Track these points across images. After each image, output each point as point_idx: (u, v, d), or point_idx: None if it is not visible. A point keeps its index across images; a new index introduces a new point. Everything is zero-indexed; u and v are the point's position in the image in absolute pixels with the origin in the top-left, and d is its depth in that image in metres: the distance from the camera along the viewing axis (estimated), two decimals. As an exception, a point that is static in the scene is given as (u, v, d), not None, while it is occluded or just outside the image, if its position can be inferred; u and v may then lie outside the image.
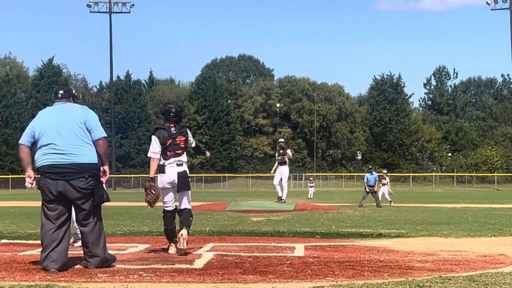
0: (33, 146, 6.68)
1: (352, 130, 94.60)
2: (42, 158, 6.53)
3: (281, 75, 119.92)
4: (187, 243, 7.67)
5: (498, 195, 50.97)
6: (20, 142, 6.68)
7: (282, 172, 21.34)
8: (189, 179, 8.00)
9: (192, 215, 8.10)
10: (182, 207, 8.01)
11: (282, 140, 23.27)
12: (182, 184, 7.82)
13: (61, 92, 6.94)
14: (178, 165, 7.82)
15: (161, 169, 7.80)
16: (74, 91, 7.10)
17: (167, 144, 7.81)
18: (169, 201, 8.04)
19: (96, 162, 6.62)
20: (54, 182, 6.48)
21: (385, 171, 31.96)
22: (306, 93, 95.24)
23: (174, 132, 7.90)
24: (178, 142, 7.89)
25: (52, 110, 6.83)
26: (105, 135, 6.75)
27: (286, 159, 21.31)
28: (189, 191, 7.99)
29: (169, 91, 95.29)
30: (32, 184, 6.68)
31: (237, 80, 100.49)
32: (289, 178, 22.28)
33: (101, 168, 6.72)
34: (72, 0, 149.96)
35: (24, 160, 6.70)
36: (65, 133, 6.52)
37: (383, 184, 28.96)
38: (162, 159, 7.80)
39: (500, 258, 7.70)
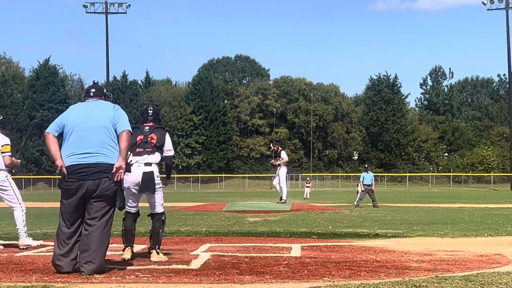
0: (60, 137, 6.49)
1: (348, 130, 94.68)
2: (67, 155, 6.34)
3: (277, 75, 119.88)
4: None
5: (494, 195, 51.05)
6: (47, 130, 6.46)
7: (279, 173, 21.33)
8: (158, 181, 7.36)
9: (163, 220, 7.55)
10: (152, 211, 7.56)
11: (275, 141, 23.11)
12: (144, 186, 7.24)
13: (93, 90, 6.78)
14: (146, 164, 7.27)
15: (127, 168, 7.15)
16: (105, 90, 7.00)
17: (137, 141, 7.35)
18: (133, 204, 7.51)
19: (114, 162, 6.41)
20: (77, 183, 6.27)
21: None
22: (302, 93, 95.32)
23: (147, 129, 7.44)
24: (149, 139, 7.37)
25: (84, 106, 6.68)
26: (129, 128, 6.50)
27: (284, 161, 21.24)
28: (159, 194, 7.42)
29: (166, 91, 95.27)
30: (63, 172, 6.29)
31: (233, 80, 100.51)
32: (286, 178, 22.17)
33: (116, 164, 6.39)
34: (68, 0, 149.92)
35: (51, 149, 6.40)
36: (93, 131, 6.37)
37: None
38: (131, 156, 7.26)
39: (497, 258, 7.72)
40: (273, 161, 21.83)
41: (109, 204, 6.38)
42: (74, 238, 6.35)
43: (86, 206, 6.36)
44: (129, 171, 7.06)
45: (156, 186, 7.36)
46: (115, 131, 6.44)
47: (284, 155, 21.26)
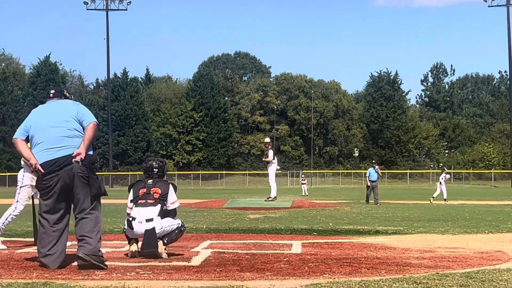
0: (27, 141, 6.66)
1: (349, 127, 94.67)
2: (37, 154, 6.50)
3: (278, 72, 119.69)
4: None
5: (495, 191, 51.06)
6: (14, 137, 6.67)
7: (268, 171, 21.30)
8: (160, 229, 7.16)
9: (181, 229, 7.45)
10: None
11: (266, 140, 22.74)
12: (145, 244, 7.08)
13: (52, 91, 7.09)
14: (147, 221, 7.14)
15: (128, 224, 7.24)
16: (65, 92, 7.18)
17: (140, 193, 7.32)
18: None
19: (90, 153, 6.55)
20: (50, 177, 6.42)
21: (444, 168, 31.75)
22: (303, 90, 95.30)
23: (151, 182, 7.40)
24: (152, 192, 7.31)
25: (44, 107, 6.92)
26: (95, 120, 6.65)
27: (268, 160, 21.04)
28: (169, 227, 7.24)
29: (166, 88, 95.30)
30: (39, 170, 6.42)
31: (234, 77, 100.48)
32: (277, 176, 21.96)
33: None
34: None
35: (23, 151, 6.58)
36: (56, 128, 6.53)
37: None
38: (133, 208, 7.27)
39: (497, 254, 7.72)
40: (269, 151, 21.68)
41: (87, 191, 6.45)
42: (57, 234, 6.46)
43: (70, 201, 6.53)
44: (131, 228, 7.18)
45: (161, 234, 7.22)
46: (81, 125, 6.60)
47: (269, 154, 20.92)
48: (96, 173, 6.67)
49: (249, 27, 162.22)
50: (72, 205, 6.62)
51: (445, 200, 27.61)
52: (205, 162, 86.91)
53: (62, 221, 6.54)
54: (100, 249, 6.48)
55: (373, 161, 30.01)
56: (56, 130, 6.54)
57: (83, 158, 6.43)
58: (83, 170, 6.44)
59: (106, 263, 6.42)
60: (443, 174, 29.65)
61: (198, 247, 8.22)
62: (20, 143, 6.64)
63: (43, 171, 6.43)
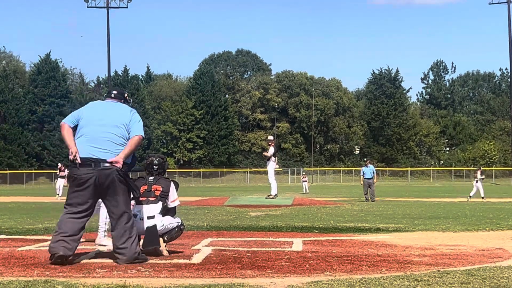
0: (75, 129, 6.71)
1: (350, 125, 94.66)
2: (78, 147, 6.54)
3: (278, 69, 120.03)
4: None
5: (496, 189, 51.06)
6: (63, 121, 6.74)
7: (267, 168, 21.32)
8: (161, 227, 7.20)
9: (180, 228, 7.48)
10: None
11: (269, 138, 22.79)
12: (147, 241, 7.09)
13: (114, 92, 7.12)
14: (149, 218, 7.18)
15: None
16: (127, 95, 7.22)
17: (141, 190, 7.32)
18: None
19: (128, 162, 6.67)
20: (85, 173, 6.46)
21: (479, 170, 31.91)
22: (303, 88, 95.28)
23: (152, 179, 7.42)
24: (154, 190, 7.34)
25: (102, 105, 6.96)
26: (142, 134, 6.73)
27: (268, 155, 21.04)
28: (168, 225, 7.27)
29: (167, 86, 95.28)
30: (76, 159, 6.49)
31: (234, 74, 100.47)
32: (278, 173, 22.02)
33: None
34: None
35: (66, 138, 6.63)
36: (105, 129, 6.59)
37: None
38: (134, 205, 7.26)
39: (498, 252, 7.71)
40: (270, 148, 21.63)
41: (121, 196, 6.58)
42: (75, 228, 6.48)
43: (95, 200, 6.63)
44: None
45: (162, 231, 7.26)
46: (128, 133, 6.67)
47: (270, 150, 20.94)
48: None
49: (250, 24, 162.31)
50: (105, 207, 6.75)
51: (482, 198, 27.75)
52: (206, 160, 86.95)
53: (83, 219, 6.56)
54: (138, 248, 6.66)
55: (365, 159, 30.19)
56: (105, 131, 6.58)
57: (120, 166, 6.52)
58: (121, 174, 6.54)
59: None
60: (479, 172, 30.00)
61: (199, 245, 8.23)
62: (66, 128, 6.70)
63: (80, 162, 6.48)
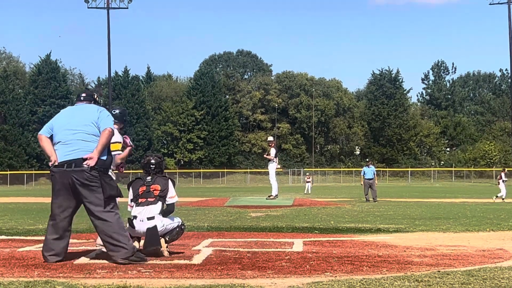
0: (51, 138, 6.92)
1: (350, 125, 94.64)
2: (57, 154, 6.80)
3: (279, 70, 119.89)
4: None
5: (497, 189, 50.95)
6: (39, 132, 7.00)
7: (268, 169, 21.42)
8: (162, 227, 7.21)
9: (181, 227, 7.51)
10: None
11: (269, 139, 22.94)
12: (148, 242, 7.08)
13: (83, 95, 7.28)
14: (149, 219, 7.17)
15: (130, 223, 7.22)
16: (96, 96, 7.41)
17: (140, 191, 7.36)
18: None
19: (104, 158, 6.76)
20: (62, 175, 6.69)
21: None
22: (304, 88, 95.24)
23: (150, 179, 7.43)
24: (152, 190, 7.35)
25: (71, 109, 7.19)
26: (110, 126, 6.84)
27: (270, 158, 21.15)
28: (168, 225, 7.29)
29: (168, 86, 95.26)
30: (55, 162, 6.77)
31: (235, 75, 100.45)
32: (279, 174, 22.11)
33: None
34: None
35: (46, 148, 6.89)
36: (74, 131, 6.78)
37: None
38: (134, 207, 7.31)
39: (499, 252, 7.72)
40: (271, 149, 21.69)
41: (99, 195, 6.68)
42: (62, 230, 6.75)
43: (77, 201, 6.78)
44: (133, 227, 7.21)
45: (162, 232, 7.27)
46: (99, 130, 6.81)
47: (271, 152, 21.10)
48: (111, 176, 6.94)
49: (251, 25, 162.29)
50: (85, 209, 6.84)
51: (503, 198, 27.79)
52: (207, 161, 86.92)
53: (67, 219, 6.80)
54: (134, 245, 6.78)
55: (367, 160, 30.24)
56: (74, 133, 6.78)
57: (94, 162, 6.64)
58: (89, 178, 6.65)
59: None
60: (503, 174, 30.15)
61: (200, 245, 8.23)
62: (44, 139, 6.95)
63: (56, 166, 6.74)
